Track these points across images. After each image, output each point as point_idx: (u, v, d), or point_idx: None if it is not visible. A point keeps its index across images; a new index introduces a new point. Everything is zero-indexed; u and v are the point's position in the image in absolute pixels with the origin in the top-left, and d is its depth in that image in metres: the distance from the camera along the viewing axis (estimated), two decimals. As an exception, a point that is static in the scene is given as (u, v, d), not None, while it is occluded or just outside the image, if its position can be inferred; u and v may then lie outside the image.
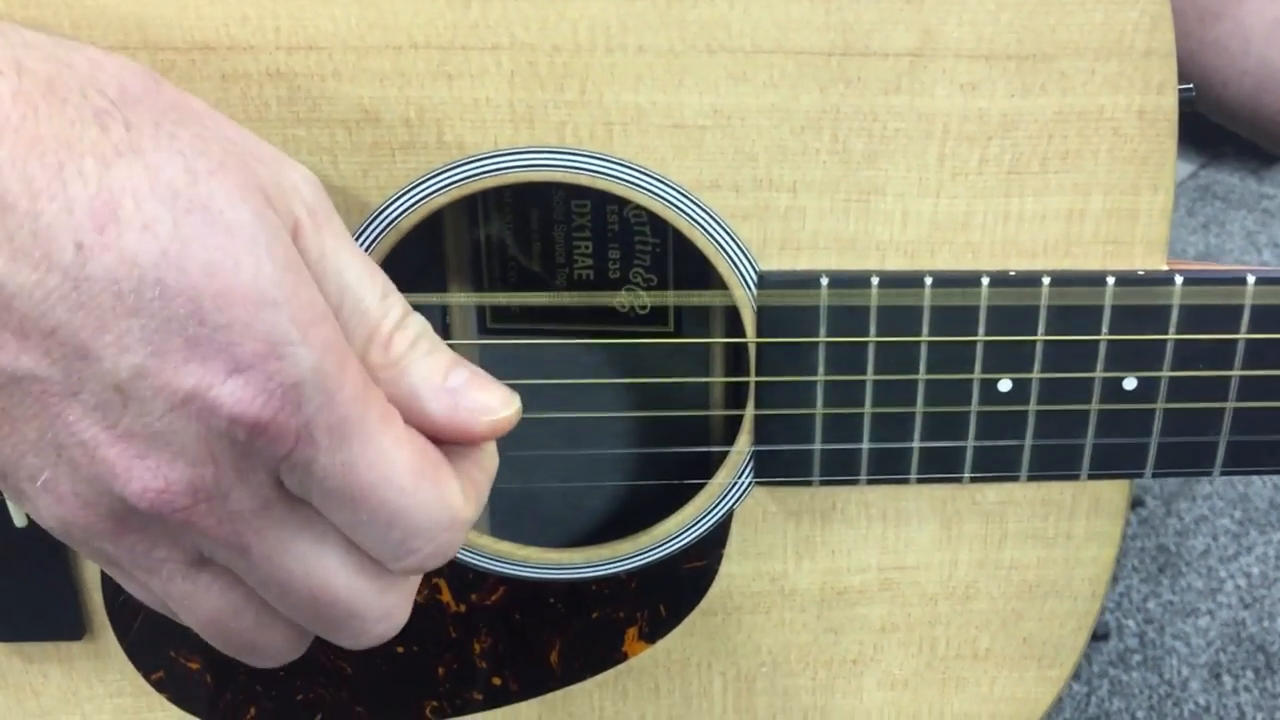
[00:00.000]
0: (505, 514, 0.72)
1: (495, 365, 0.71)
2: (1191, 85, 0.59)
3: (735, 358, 0.66)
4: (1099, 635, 1.82)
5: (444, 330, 0.70)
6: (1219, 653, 1.78)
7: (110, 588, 0.59)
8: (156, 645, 0.61)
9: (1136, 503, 2.02)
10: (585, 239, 0.68)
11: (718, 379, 0.68)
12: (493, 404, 0.45)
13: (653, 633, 0.62)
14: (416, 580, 0.47)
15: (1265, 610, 1.85)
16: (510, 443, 0.72)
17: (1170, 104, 0.54)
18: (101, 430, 0.39)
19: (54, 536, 0.43)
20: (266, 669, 0.49)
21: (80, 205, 0.37)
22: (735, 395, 0.66)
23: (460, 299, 0.69)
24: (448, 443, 0.45)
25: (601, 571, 0.61)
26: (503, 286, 0.69)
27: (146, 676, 0.61)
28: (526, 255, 0.68)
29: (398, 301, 0.44)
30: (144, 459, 0.39)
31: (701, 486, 0.60)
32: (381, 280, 0.44)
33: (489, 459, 0.47)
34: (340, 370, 0.40)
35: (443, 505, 0.43)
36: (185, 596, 0.44)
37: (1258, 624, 1.83)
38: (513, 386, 0.48)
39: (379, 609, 0.45)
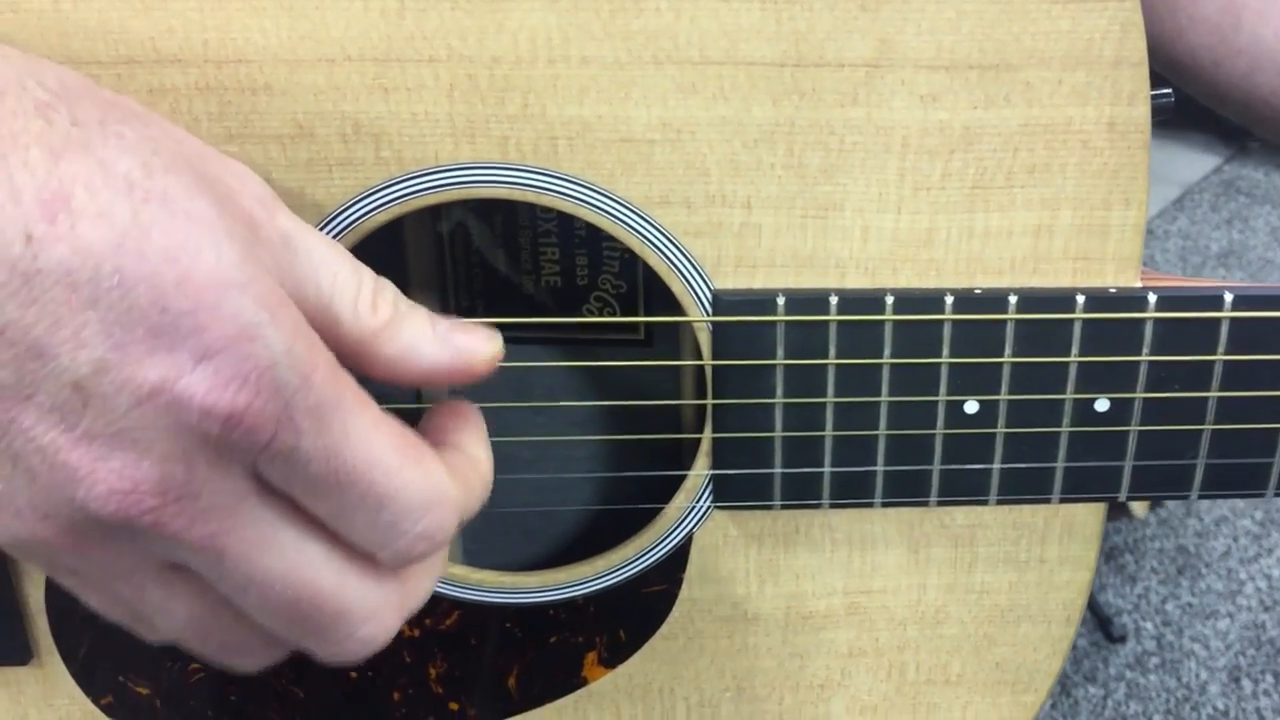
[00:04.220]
0: (470, 532, 0.71)
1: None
2: (1170, 90, 0.56)
3: (703, 373, 0.65)
4: (1116, 637, 1.80)
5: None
6: (1238, 656, 1.75)
7: (56, 612, 0.58)
8: (105, 670, 0.59)
9: (1155, 503, 1.99)
10: (552, 245, 0.66)
11: (678, 402, 0.67)
12: (479, 343, 0.46)
13: (612, 657, 0.60)
14: (409, 586, 0.45)
15: (1286, 613, 1.82)
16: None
17: (1142, 115, 0.52)
18: (60, 434, 0.37)
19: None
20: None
21: (28, 195, 0.35)
22: (702, 415, 0.64)
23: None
24: (451, 383, 0.45)
25: (557, 596, 0.59)
26: (468, 294, 0.68)
27: (95, 701, 0.60)
28: (492, 262, 0.66)
29: (364, 267, 0.44)
30: (107, 460, 0.37)
31: (659, 511, 0.58)
32: (343, 250, 0.43)
33: (478, 448, 0.47)
34: (311, 352, 0.39)
35: (430, 483, 0.42)
36: (156, 606, 0.42)
37: (1278, 627, 1.79)
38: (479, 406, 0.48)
39: (366, 607, 0.43)
